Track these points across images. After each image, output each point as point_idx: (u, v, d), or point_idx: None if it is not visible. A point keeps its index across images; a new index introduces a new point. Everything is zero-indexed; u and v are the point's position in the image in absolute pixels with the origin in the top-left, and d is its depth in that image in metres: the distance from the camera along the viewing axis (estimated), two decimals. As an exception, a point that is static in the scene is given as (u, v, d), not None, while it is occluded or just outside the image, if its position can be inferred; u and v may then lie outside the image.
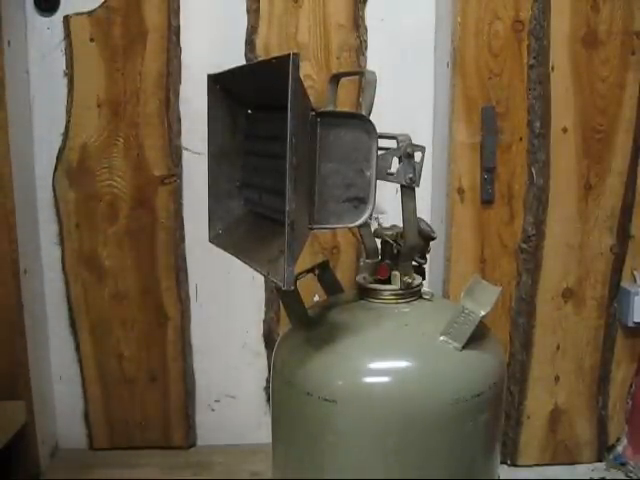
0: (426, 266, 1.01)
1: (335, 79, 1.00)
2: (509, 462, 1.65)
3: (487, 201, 1.52)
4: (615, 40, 1.47)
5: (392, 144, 0.90)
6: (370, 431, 0.84)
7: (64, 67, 1.55)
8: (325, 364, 0.86)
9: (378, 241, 0.94)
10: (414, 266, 0.97)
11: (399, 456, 0.84)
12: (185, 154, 1.57)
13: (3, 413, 1.46)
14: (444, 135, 1.53)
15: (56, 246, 1.62)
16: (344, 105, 1.54)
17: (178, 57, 1.53)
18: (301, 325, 0.95)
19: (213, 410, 1.73)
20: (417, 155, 0.91)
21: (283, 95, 0.71)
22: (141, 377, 1.68)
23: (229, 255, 0.90)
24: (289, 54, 0.70)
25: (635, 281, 1.57)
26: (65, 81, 1.55)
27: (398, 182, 0.89)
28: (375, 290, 0.95)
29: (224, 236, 0.94)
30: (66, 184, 1.59)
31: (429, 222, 0.97)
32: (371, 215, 0.87)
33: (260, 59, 1.52)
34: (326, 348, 0.87)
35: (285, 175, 0.72)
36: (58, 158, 1.58)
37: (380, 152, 0.87)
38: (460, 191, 1.51)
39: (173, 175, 1.57)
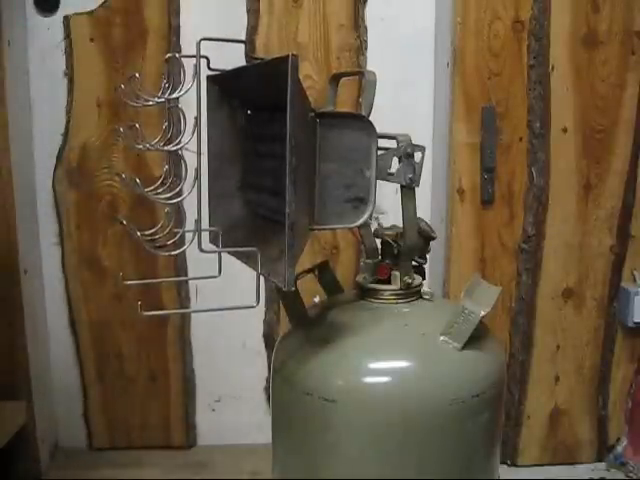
0: (426, 266, 1.01)
1: (335, 79, 1.00)
2: (509, 462, 1.65)
3: (487, 201, 1.52)
4: (615, 40, 1.48)
5: (392, 144, 0.89)
6: (370, 431, 0.84)
7: (64, 67, 1.55)
8: (325, 364, 0.86)
9: (378, 241, 0.94)
10: (414, 266, 0.97)
11: (399, 456, 0.84)
12: (185, 154, 1.57)
13: (3, 413, 1.46)
14: (444, 135, 1.53)
15: (56, 246, 1.62)
16: (344, 105, 1.54)
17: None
18: (301, 325, 0.95)
19: (213, 410, 1.73)
20: (417, 155, 0.91)
21: (283, 96, 0.71)
22: (141, 377, 1.68)
23: (229, 255, 0.90)
24: (288, 55, 0.70)
25: (635, 281, 1.57)
26: (65, 81, 1.55)
27: (398, 182, 0.89)
28: (375, 290, 0.95)
29: (224, 237, 0.94)
30: (66, 184, 1.59)
31: (429, 222, 0.97)
32: (371, 215, 0.87)
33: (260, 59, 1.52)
34: (326, 348, 0.87)
35: (285, 176, 0.72)
36: (58, 158, 1.58)
37: (380, 152, 0.87)
38: (460, 191, 1.51)
39: (173, 175, 1.57)
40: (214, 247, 0.94)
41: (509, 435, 1.63)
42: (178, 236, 0.84)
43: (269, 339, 1.69)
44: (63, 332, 1.66)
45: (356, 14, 1.56)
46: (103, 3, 1.52)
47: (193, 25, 1.54)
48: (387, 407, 0.83)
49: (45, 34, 1.53)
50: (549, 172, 1.52)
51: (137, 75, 0.91)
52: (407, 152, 0.88)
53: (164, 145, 0.87)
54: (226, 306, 0.84)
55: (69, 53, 1.54)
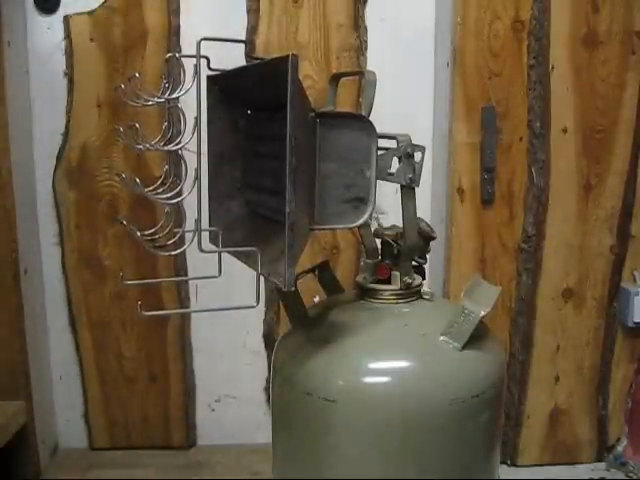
0: (426, 266, 1.01)
1: (335, 79, 1.00)
2: (509, 462, 1.65)
3: (487, 201, 1.52)
4: (615, 40, 1.48)
5: (392, 144, 0.89)
6: (370, 431, 0.84)
7: (64, 67, 1.55)
8: (325, 364, 0.86)
9: (378, 241, 0.94)
10: (414, 266, 0.97)
11: (399, 456, 0.84)
12: (185, 154, 1.57)
13: (3, 413, 1.46)
14: (444, 135, 1.53)
15: (56, 246, 1.62)
16: (344, 105, 1.54)
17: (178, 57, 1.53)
18: (301, 325, 0.95)
19: (213, 410, 1.73)
20: (417, 155, 0.91)
21: (283, 96, 0.71)
22: (141, 377, 1.68)
23: (229, 255, 0.90)
24: (288, 55, 0.70)
25: (635, 281, 1.57)
26: (65, 81, 1.55)
27: (398, 182, 0.89)
28: (375, 290, 0.95)
29: (224, 237, 0.94)
30: (66, 184, 1.59)
31: (429, 222, 0.97)
32: (371, 215, 0.87)
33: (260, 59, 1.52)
34: (326, 348, 0.87)
35: (285, 176, 0.72)
36: (58, 158, 1.58)
37: (380, 152, 0.87)
38: (460, 191, 1.51)
39: (173, 175, 1.57)
40: (214, 247, 0.94)
41: (509, 435, 1.63)
42: (178, 236, 0.84)
43: (269, 339, 1.69)
44: (63, 332, 1.66)
45: (356, 14, 1.56)
46: (103, 3, 1.52)
47: (193, 25, 1.54)
48: (387, 407, 0.83)
49: (45, 34, 1.53)
50: (549, 172, 1.52)
51: (137, 75, 0.91)
52: (407, 152, 0.88)
53: (164, 145, 0.87)
54: (226, 306, 0.84)
55: (69, 53, 1.54)
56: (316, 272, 1.05)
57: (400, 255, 0.94)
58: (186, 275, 1.63)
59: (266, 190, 0.91)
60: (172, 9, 1.53)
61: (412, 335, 0.90)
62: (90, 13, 1.52)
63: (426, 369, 0.86)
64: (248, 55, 1.49)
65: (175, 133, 0.89)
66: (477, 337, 0.88)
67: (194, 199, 0.77)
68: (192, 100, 0.75)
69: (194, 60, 0.76)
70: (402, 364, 0.86)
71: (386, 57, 1.58)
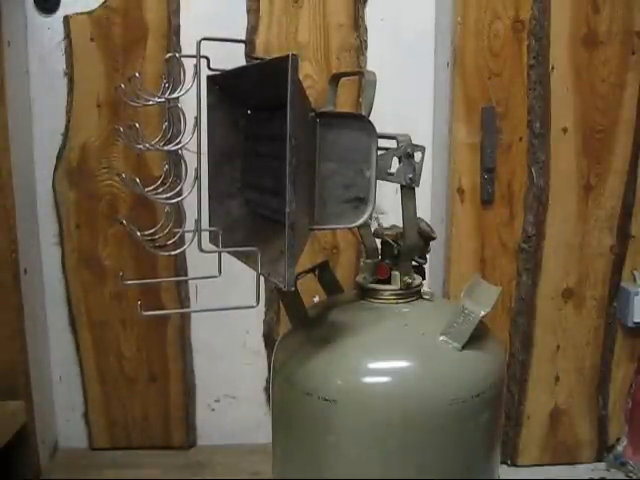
0: (426, 266, 1.01)
1: (335, 79, 1.00)
2: (509, 462, 1.65)
3: (487, 201, 1.52)
4: (615, 40, 1.48)
5: (392, 144, 0.90)
6: (370, 431, 0.84)
7: (64, 67, 1.55)
8: (325, 364, 0.86)
9: (378, 241, 0.94)
10: (414, 266, 0.97)
11: (399, 456, 0.84)
12: (185, 154, 1.57)
13: (3, 413, 1.46)
14: (444, 135, 1.53)
15: (56, 246, 1.62)
16: (344, 105, 1.54)
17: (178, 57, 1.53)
18: (301, 325, 0.95)
19: (213, 410, 1.73)
20: (417, 155, 0.91)
21: (283, 96, 0.71)
22: (141, 377, 1.68)
23: (229, 255, 0.90)
24: (288, 55, 0.70)
25: (635, 281, 1.57)
26: (65, 81, 1.55)
27: (398, 182, 0.89)
28: (375, 290, 0.95)
29: (224, 237, 0.94)
30: (66, 184, 1.59)
31: (429, 222, 0.97)
32: (371, 215, 0.87)
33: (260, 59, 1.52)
34: (326, 348, 0.87)
35: (285, 176, 0.72)
36: (58, 158, 1.58)
37: (380, 152, 0.87)
38: (460, 191, 1.51)
39: (173, 175, 1.57)
40: (214, 247, 0.94)
41: (509, 435, 1.63)
42: (178, 236, 0.84)
43: (269, 339, 1.69)
44: (63, 332, 1.66)
45: (356, 14, 1.56)
46: (103, 3, 1.52)
47: (193, 25, 1.54)
48: (387, 407, 0.83)
49: (45, 34, 1.53)
50: (549, 172, 1.52)
51: (137, 75, 0.91)
52: (407, 152, 0.88)
53: (164, 145, 0.87)
54: (226, 306, 0.84)
55: (69, 53, 1.54)
56: (316, 272, 1.05)
57: (400, 255, 0.94)
58: (186, 275, 1.63)
59: (266, 190, 0.91)
60: (172, 9, 1.53)
61: (412, 335, 0.90)
62: (90, 13, 1.52)
63: (426, 369, 0.86)
64: (248, 55, 1.49)
65: (175, 133, 0.89)
66: (477, 337, 0.88)
67: (194, 199, 0.77)
68: (192, 100, 0.75)
69: (194, 60, 0.76)
70: (402, 364, 0.86)
71: (386, 57, 1.58)
